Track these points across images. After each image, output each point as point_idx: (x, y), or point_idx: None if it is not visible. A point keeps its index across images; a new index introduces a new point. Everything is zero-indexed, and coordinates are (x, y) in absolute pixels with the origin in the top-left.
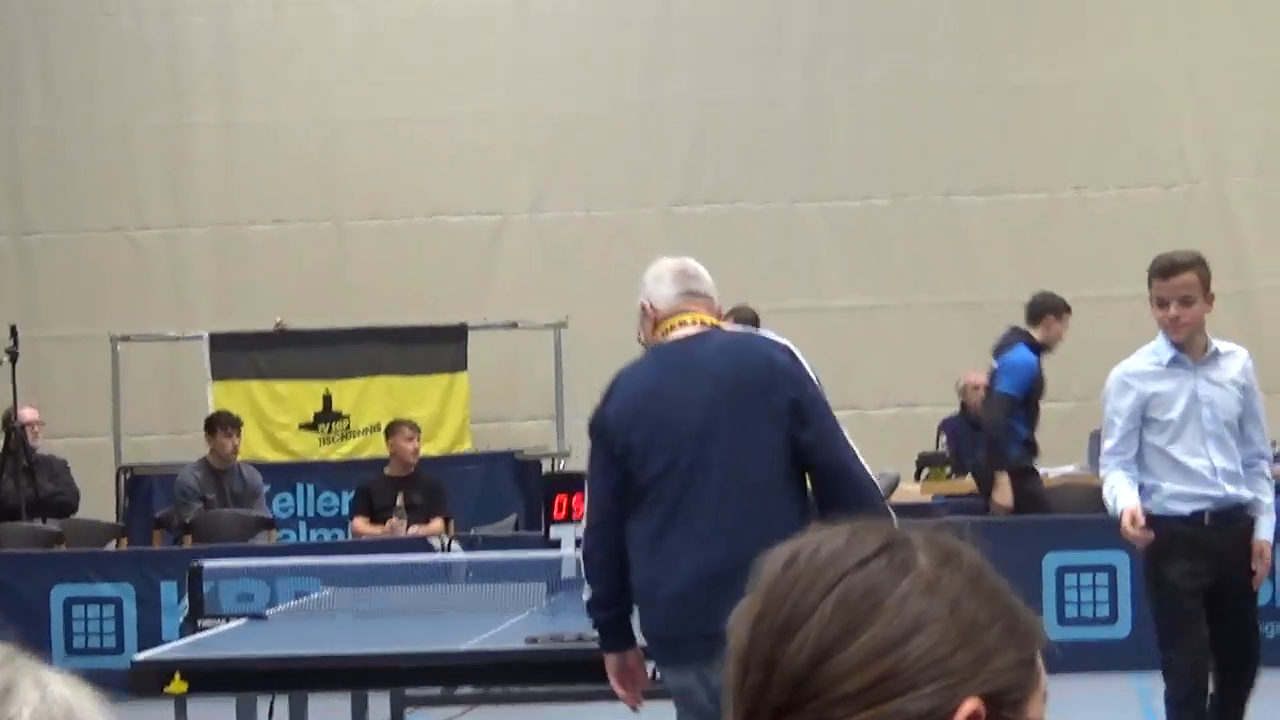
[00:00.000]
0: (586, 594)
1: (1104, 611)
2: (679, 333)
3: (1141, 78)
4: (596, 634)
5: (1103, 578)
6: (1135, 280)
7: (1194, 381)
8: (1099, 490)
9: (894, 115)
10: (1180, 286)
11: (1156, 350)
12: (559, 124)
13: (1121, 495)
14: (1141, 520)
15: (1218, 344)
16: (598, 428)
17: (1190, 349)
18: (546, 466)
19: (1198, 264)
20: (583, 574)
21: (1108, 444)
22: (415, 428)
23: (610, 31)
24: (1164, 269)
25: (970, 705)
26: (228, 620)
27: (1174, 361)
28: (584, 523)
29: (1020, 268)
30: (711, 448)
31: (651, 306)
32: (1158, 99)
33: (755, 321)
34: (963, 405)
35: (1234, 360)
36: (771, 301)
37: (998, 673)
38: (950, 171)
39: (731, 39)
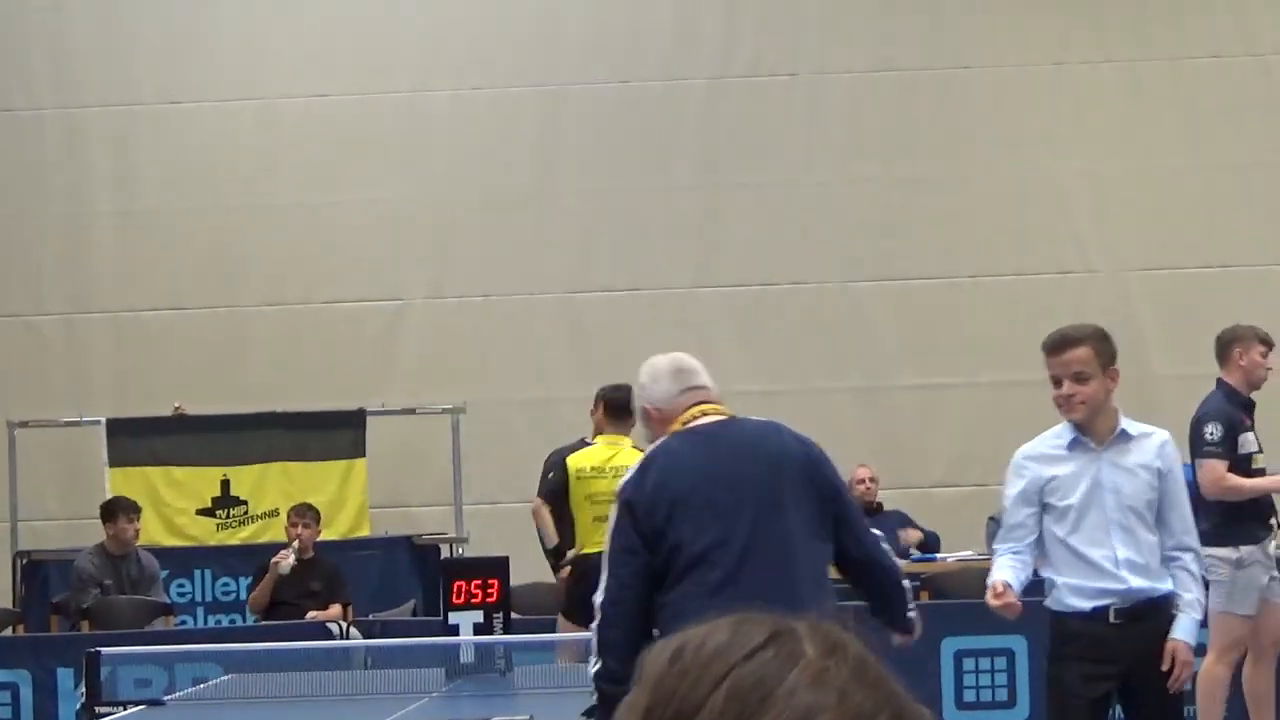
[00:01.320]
0: (596, 666)
1: (1002, 695)
2: (704, 420)
3: (1034, 174)
4: (598, 706)
5: (1001, 662)
6: (1033, 366)
7: (1097, 466)
8: None
9: (789, 204)
10: (1071, 362)
11: (1059, 432)
12: (455, 211)
13: (994, 571)
14: (1001, 590)
15: (1129, 425)
16: (631, 506)
17: (1093, 431)
18: (445, 552)
19: (1093, 338)
20: (594, 646)
21: (1002, 531)
22: (303, 514)
23: (505, 120)
24: (1054, 344)
25: None
26: (125, 707)
27: (1075, 444)
28: (603, 596)
29: (918, 353)
30: (770, 520)
31: (656, 409)
32: (1052, 192)
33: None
34: None
35: (1148, 443)
36: None
37: None
38: (847, 258)
39: (624, 131)
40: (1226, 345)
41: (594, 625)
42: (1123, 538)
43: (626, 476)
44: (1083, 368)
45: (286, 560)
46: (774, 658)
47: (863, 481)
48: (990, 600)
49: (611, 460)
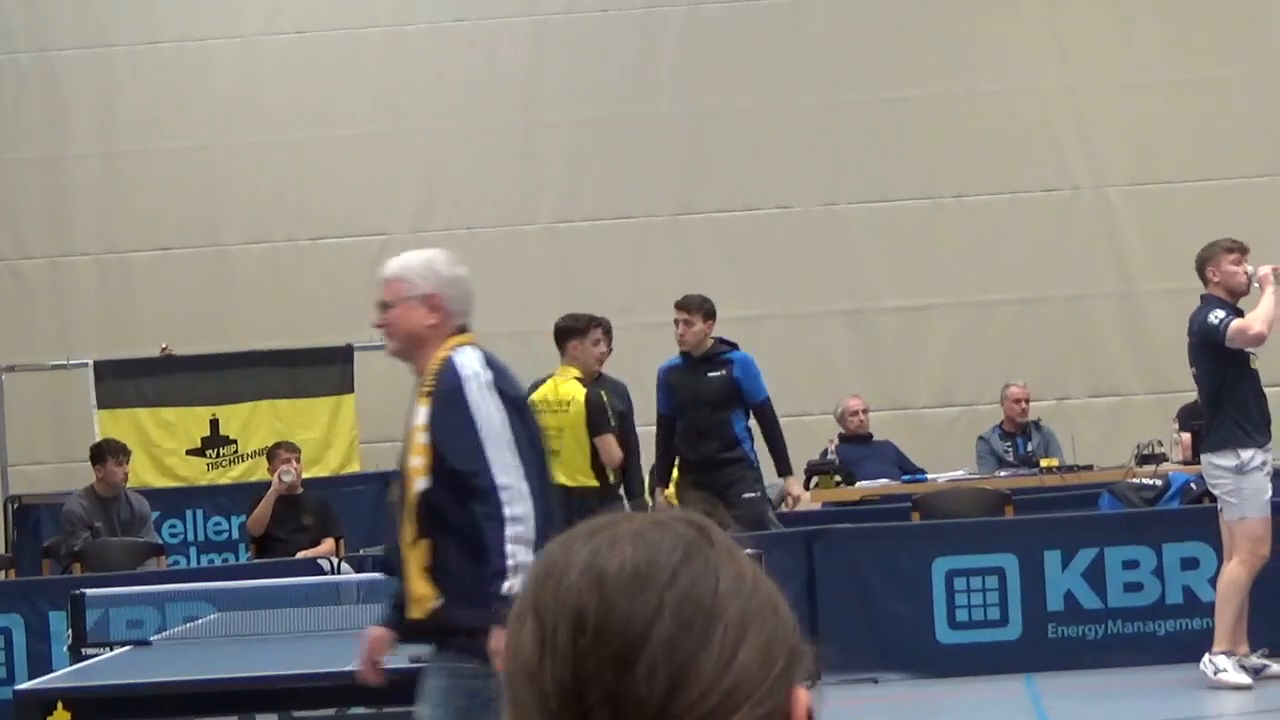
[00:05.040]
0: None
1: (994, 614)
2: None
3: (1015, 90)
4: None
5: (992, 580)
6: (1018, 284)
7: None
8: (987, 494)
9: (772, 128)
10: None
11: None
12: (439, 144)
13: None
14: None
15: None
16: None
17: None
18: None
19: None
20: None
21: None
22: (291, 450)
23: (487, 52)
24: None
25: (803, 694)
26: (112, 648)
27: None
28: None
29: (903, 274)
30: None
31: None
32: (1034, 109)
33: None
34: (842, 433)
35: None
36: (656, 314)
37: (804, 657)
38: (831, 181)
39: (607, 59)
40: (1200, 267)
41: None
42: None
43: None
44: None
45: (289, 468)
46: (701, 572)
47: (855, 413)
48: None
49: (553, 393)
